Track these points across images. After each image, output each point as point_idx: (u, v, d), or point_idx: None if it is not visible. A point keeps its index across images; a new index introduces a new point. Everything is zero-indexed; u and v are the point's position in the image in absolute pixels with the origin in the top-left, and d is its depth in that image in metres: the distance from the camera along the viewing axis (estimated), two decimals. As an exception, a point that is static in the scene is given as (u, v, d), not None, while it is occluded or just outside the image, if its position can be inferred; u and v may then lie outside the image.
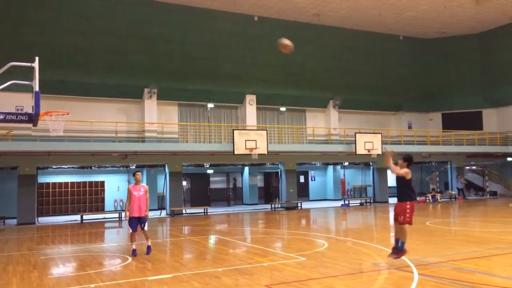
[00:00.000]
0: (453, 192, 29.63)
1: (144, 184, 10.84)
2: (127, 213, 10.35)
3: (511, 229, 14.22)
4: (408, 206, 8.28)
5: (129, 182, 25.81)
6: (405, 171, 8.43)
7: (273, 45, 30.81)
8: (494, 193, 31.39)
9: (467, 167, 32.21)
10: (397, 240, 8.46)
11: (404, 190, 8.45)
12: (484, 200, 28.97)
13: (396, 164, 8.62)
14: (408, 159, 8.72)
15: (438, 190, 30.11)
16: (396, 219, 8.52)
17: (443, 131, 31.31)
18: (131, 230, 10.46)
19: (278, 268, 8.54)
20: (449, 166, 30.83)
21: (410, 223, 8.33)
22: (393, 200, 28.52)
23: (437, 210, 22.58)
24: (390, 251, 8.79)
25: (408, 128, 31.37)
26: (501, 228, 13.80)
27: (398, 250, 8.37)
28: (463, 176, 30.27)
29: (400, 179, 8.51)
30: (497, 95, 31.55)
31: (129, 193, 10.35)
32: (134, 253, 10.39)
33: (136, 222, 10.37)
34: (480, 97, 32.34)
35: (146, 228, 10.46)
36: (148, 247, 10.68)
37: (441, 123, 32.80)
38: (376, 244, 11.24)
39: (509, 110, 31.43)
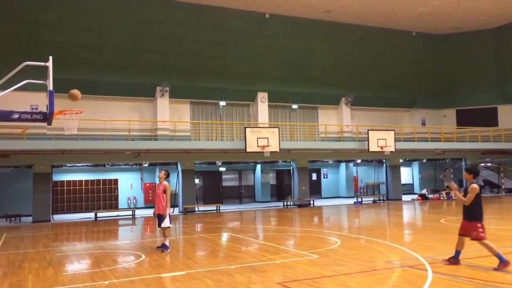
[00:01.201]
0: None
1: (165, 182, 11.00)
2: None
3: (527, 227, 14.03)
4: (479, 225, 7.79)
5: (142, 180, 26.00)
6: (473, 191, 7.84)
7: (285, 42, 30.47)
8: (509, 190, 30.95)
9: (482, 164, 31.79)
10: (457, 252, 8.07)
11: (474, 208, 7.87)
12: (500, 197, 28.58)
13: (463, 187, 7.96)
14: (473, 171, 8.13)
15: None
16: (462, 233, 8.06)
17: (457, 128, 30.95)
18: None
19: (290, 266, 8.53)
20: (463, 163, 30.47)
21: (485, 238, 7.80)
22: (406, 198, 28.44)
23: (452, 207, 22.34)
24: (403, 248, 8.70)
25: (422, 125, 31.08)
26: (517, 226, 13.60)
27: (455, 260, 8.04)
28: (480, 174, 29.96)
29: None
30: (512, 91, 31.10)
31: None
32: (165, 248, 10.71)
33: (158, 218, 10.88)
34: (495, 93, 31.88)
35: (163, 225, 10.75)
36: (164, 246, 10.76)
37: (455, 119, 32.40)
38: (389, 242, 11.16)
39: (525, 106, 30.96)
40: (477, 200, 7.86)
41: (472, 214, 7.88)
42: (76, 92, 9.53)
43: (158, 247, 11.01)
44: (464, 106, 32.33)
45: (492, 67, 32.21)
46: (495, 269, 7.49)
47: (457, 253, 8.08)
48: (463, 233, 8.02)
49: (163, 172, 10.95)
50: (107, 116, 22.42)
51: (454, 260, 8.08)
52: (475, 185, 7.88)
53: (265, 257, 9.57)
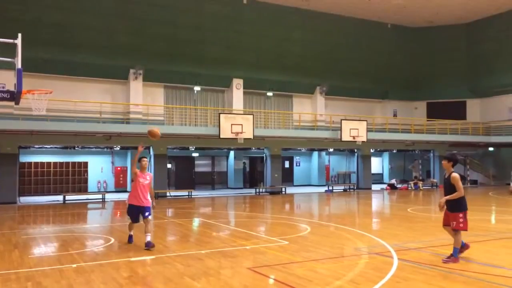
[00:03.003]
0: (435, 180, 30.10)
1: (149, 172, 9.65)
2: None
3: (490, 217, 14.56)
4: (461, 215, 7.49)
5: (113, 163, 25.64)
6: (458, 181, 7.47)
7: (262, 29, 30.28)
8: (474, 182, 31.98)
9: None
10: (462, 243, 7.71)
11: (460, 199, 7.51)
12: (465, 188, 29.27)
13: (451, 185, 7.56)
14: (453, 159, 7.68)
15: (421, 178, 30.58)
16: (446, 224, 7.76)
17: (427, 120, 31.66)
18: (130, 221, 9.36)
19: (261, 252, 8.61)
20: (431, 154, 31.26)
21: (466, 229, 7.55)
22: (376, 187, 29.04)
23: (419, 197, 22.94)
24: (371, 236, 8.89)
25: (393, 116, 31.65)
26: (480, 216, 14.09)
27: (452, 255, 7.59)
28: None
29: (451, 186, 7.54)
30: (481, 86, 31.96)
31: (136, 178, 9.11)
32: (130, 239, 9.46)
33: (136, 212, 9.14)
34: (465, 87, 32.71)
35: (150, 217, 9.19)
36: (148, 242, 8.88)
37: (425, 112, 33.16)
38: (358, 230, 11.39)
39: (492, 100, 31.90)
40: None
41: (458, 205, 7.54)
42: (155, 130, 8.92)
43: (147, 248, 8.85)
44: (434, 99, 33.09)
45: (463, 61, 32.98)
46: (444, 261, 7.45)
47: (462, 243, 7.73)
48: (446, 223, 7.76)
49: (146, 159, 9.49)
50: (78, 97, 21.94)
51: (458, 253, 7.63)
52: (456, 175, 7.54)
53: (235, 242, 9.63)
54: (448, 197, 7.52)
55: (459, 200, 7.51)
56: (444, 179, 7.82)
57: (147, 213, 9.04)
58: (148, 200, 9.15)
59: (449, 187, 7.58)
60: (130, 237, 9.53)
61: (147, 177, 9.22)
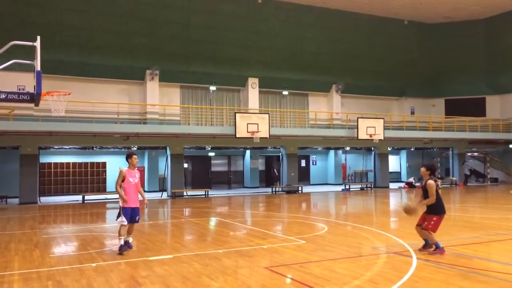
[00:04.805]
0: (454, 178, 29.68)
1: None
2: (125, 199, 8.52)
3: (510, 216, 14.28)
4: (434, 218, 8.09)
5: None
6: (432, 188, 8.07)
7: (277, 28, 30.00)
8: (495, 180, 31.43)
9: (469, 154, 32.18)
10: (425, 239, 8.22)
11: (436, 204, 8.13)
12: (485, 186, 29.02)
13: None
14: (431, 169, 8.41)
15: (439, 176, 30.15)
16: (419, 224, 8.28)
17: (445, 117, 31.22)
18: (125, 223, 8.51)
19: (278, 251, 8.60)
20: (450, 152, 30.81)
21: (433, 231, 8.10)
22: (393, 186, 28.73)
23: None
24: (388, 235, 8.82)
25: (411, 114, 31.27)
26: (501, 215, 13.85)
27: (435, 248, 8.07)
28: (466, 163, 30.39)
29: (427, 192, 8.16)
30: (501, 82, 31.35)
31: (123, 179, 8.61)
32: (128, 245, 8.72)
33: (133, 213, 8.62)
34: (484, 83, 32.14)
35: (140, 221, 8.92)
36: (129, 242, 8.79)
37: (444, 109, 32.65)
38: (375, 229, 11.30)
39: (512, 97, 31.30)
40: (437, 196, 8.12)
41: (435, 209, 8.13)
42: (412, 207, 8.55)
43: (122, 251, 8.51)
44: (453, 95, 32.56)
45: (482, 57, 32.40)
46: (430, 253, 7.93)
47: (426, 241, 8.21)
48: (420, 223, 8.26)
49: (136, 156, 9.03)
50: (96, 98, 22.20)
51: (426, 247, 8.17)
52: (431, 182, 8.16)
53: (252, 242, 9.64)
54: (422, 201, 8.23)
55: (436, 205, 8.11)
56: (423, 187, 8.36)
57: (137, 217, 8.70)
58: (138, 200, 8.70)
59: (425, 193, 8.22)
60: (127, 242, 8.73)
61: (137, 175, 8.80)
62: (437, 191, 8.13)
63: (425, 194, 8.20)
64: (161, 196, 22.95)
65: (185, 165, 25.53)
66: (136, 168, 9.01)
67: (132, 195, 8.61)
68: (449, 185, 29.27)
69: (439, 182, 27.92)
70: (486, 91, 32.14)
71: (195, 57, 25.42)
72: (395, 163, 33.71)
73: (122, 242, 8.51)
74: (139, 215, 8.76)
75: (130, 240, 8.85)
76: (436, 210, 8.13)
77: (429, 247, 8.16)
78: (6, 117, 19.28)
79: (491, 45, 32.03)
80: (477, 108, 31.90)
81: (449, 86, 32.43)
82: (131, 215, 8.59)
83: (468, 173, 29.90)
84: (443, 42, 32.80)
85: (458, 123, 30.18)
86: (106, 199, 21.92)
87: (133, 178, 8.72)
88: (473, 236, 10.05)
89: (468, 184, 30.01)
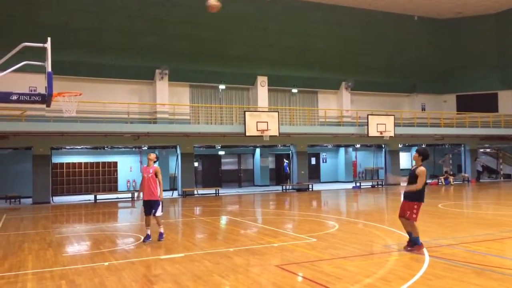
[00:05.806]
0: (466, 175, 29.39)
1: (155, 165, 9.77)
2: (140, 194, 9.74)
3: (525, 212, 14.10)
4: (415, 206, 7.97)
5: (141, 163, 26.06)
6: (423, 174, 7.86)
7: (285, 26, 29.96)
8: (508, 176, 31.07)
9: (481, 150, 31.83)
10: (409, 233, 8.14)
11: (420, 190, 7.96)
12: (498, 183, 28.70)
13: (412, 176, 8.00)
14: (423, 154, 8.04)
15: (451, 172, 29.87)
16: (401, 215, 8.18)
17: (457, 113, 30.91)
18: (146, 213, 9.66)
19: (288, 249, 8.59)
20: (462, 148, 30.52)
21: (415, 220, 7.98)
22: (405, 183, 28.39)
23: (450, 192, 22.44)
24: (400, 232, 8.76)
25: (422, 110, 31.02)
26: (514, 211, 13.68)
27: (413, 243, 8.03)
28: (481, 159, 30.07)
29: (415, 178, 7.93)
30: (513, 77, 30.96)
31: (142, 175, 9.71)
32: (146, 238, 9.57)
33: (147, 206, 9.59)
34: (496, 78, 31.75)
35: (157, 214, 9.58)
36: (160, 234, 9.75)
37: (455, 105, 32.32)
38: (387, 226, 11.24)
39: (525, 92, 30.89)
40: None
41: (417, 196, 7.95)
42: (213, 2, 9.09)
43: (159, 240, 9.66)
44: (464, 91, 32.22)
45: (493, 52, 32.01)
46: (408, 250, 7.92)
47: (410, 234, 8.08)
48: (402, 214, 8.13)
49: (155, 154, 9.86)
50: (106, 98, 22.35)
51: (412, 244, 8.02)
52: (423, 168, 7.92)
53: (263, 240, 9.64)
54: (408, 187, 7.99)
55: (420, 191, 7.92)
56: (410, 170, 8.16)
57: (153, 210, 9.56)
58: (154, 194, 9.51)
59: (412, 179, 7.96)
60: (147, 236, 9.60)
61: (150, 170, 9.61)
62: (425, 181, 7.93)
63: (412, 179, 7.96)
64: (172, 195, 23.05)
65: (195, 164, 25.62)
66: (154, 165, 9.75)
67: (145, 188, 9.59)
68: (461, 182, 29.00)
69: (451, 178, 27.81)
70: (498, 86, 31.74)
71: (204, 56, 25.47)
72: (406, 160, 33.44)
73: (147, 232, 9.69)
74: (154, 209, 9.56)
75: (148, 232, 9.65)
76: (417, 196, 7.96)
77: (418, 246, 7.95)
78: (19, 118, 19.50)
79: (503, 40, 31.62)
80: (489, 104, 31.52)
81: (460, 81, 32.10)
82: (144, 207, 9.67)
83: (480, 169, 29.59)
84: (454, 38, 32.47)
85: (470, 119, 29.87)
86: (118, 198, 22.07)
87: (147, 173, 9.61)
88: (486, 233, 9.94)
89: (481, 180, 29.70)
